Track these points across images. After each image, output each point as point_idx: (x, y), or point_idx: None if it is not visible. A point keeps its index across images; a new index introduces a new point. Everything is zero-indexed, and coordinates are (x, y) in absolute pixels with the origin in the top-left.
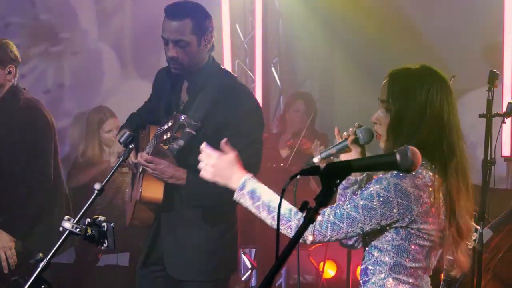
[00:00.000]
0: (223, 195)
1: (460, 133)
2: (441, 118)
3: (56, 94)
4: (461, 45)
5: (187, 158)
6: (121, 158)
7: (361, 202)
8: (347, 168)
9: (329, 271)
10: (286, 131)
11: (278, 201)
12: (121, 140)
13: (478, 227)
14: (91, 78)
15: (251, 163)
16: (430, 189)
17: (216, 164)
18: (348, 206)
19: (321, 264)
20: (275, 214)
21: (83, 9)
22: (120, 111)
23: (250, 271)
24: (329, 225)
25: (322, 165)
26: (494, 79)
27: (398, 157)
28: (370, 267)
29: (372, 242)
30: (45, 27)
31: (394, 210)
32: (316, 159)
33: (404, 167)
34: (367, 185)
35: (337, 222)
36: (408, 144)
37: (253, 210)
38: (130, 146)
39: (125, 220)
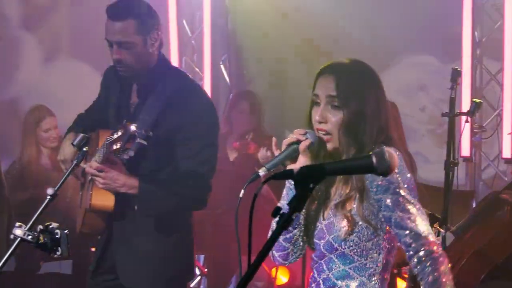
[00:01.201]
0: (176, 203)
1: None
2: (389, 112)
3: None
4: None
5: (138, 166)
6: (75, 162)
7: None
8: (321, 171)
9: (282, 277)
10: (232, 132)
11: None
12: (75, 143)
13: (442, 230)
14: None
15: (205, 168)
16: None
17: None
18: (414, 209)
19: (274, 270)
20: None
21: None
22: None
23: (199, 277)
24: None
25: (296, 169)
26: (457, 77)
27: (374, 160)
28: (351, 272)
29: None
30: None
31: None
32: (261, 172)
33: (381, 170)
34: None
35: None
36: (376, 143)
37: None
38: (84, 149)
39: (67, 226)
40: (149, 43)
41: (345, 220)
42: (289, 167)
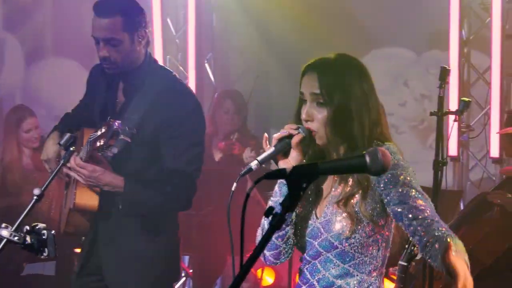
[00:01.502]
0: (162, 202)
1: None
2: (379, 106)
3: None
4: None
5: (124, 164)
6: (62, 162)
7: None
8: (313, 171)
9: (267, 278)
10: (217, 133)
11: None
12: (62, 142)
13: None
14: None
15: (192, 168)
16: None
17: None
18: (423, 198)
19: (259, 271)
20: None
21: None
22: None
23: (184, 278)
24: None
25: (288, 168)
26: (445, 75)
27: (367, 159)
28: (351, 269)
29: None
30: None
31: None
32: (253, 165)
33: (374, 169)
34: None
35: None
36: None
37: None
38: (71, 149)
39: (50, 227)
40: (136, 40)
41: (349, 217)
42: (280, 162)
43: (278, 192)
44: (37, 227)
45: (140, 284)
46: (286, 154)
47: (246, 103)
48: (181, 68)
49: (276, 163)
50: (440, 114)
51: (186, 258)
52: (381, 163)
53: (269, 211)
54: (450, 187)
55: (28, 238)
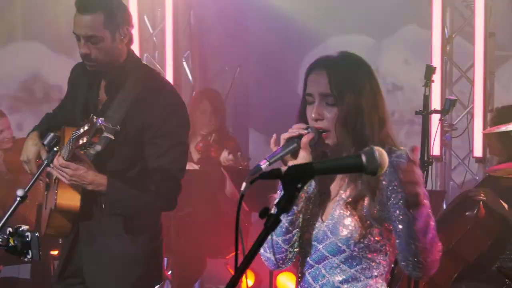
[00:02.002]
0: (146, 202)
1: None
2: (384, 105)
3: None
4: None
5: (106, 163)
6: (45, 162)
7: None
8: (309, 171)
9: (247, 280)
10: (195, 133)
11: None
12: (45, 142)
13: None
14: None
15: (176, 167)
16: None
17: None
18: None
19: None
20: None
21: None
22: None
23: (162, 282)
24: None
25: (283, 168)
26: (431, 73)
27: (364, 159)
28: (357, 274)
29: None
30: None
31: None
32: (263, 165)
33: (370, 169)
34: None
35: None
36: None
37: None
38: (55, 149)
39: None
40: (117, 38)
41: (359, 221)
42: (289, 162)
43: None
44: (20, 229)
45: (121, 286)
46: (294, 155)
47: (224, 102)
48: (158, 66)
49: (285, 163)
50: (426, 113)
51: (165, 260)
52: (377, 163)
53: (264, 212)
54: (433, 188)
55: (11, 240)
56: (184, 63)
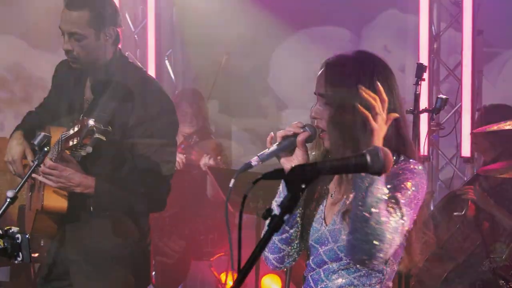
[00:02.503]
0: (134, 203)
1: (406, 121)
2: (401, 104)
3: None
4: None
5: (94, 165)
6: (36, 163)
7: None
8: (313, 171)
9: (231, 283)
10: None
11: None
12: (36, 142)
13: None
14: None
15: (165, 167)
16: None
17: None
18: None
19: (223, 275)
20: None
21: None
22: None
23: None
24: None
25: (286, 168)
26: (422, 71)
27: (368, 158)
28: (355, 281)
29: None
30: None
31: None
32: (254, 162)
33: (375, 169)
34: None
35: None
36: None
37: None
38: (46, 149)
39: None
40: (102, 38)
41: None
42: (283, 159)
43: (282, 193)
44: (10, 231)
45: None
46: (290, 153)
47: (206, 102)
48: (139, 65)
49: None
50: (417, 112)
51: None
52: (382, 162)
53: (267, 213)
54: None
55: (1, 242)
56: (166, 61)
